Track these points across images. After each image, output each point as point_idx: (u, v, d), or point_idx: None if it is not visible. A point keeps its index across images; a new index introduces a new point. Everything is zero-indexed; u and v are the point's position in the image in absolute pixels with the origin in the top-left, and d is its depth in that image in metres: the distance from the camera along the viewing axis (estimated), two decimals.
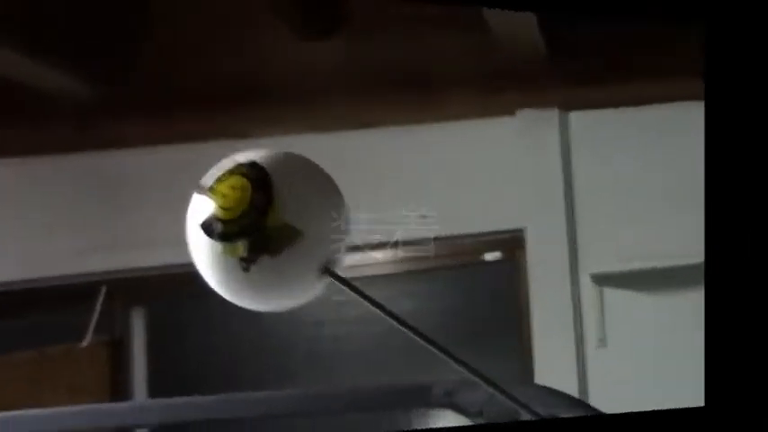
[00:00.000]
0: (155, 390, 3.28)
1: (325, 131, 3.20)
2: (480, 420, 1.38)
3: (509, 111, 3.24)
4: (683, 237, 2.79)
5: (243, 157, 0.90)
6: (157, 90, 3.22)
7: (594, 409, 1.32)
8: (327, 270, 0.95)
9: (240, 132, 3.19)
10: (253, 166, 0.89)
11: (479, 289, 3.31)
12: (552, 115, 3.24)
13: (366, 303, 0.86)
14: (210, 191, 0.88)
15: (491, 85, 3.23)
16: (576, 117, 3.27)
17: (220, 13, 3.22)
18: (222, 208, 0.87)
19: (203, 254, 0.89)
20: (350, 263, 3.73)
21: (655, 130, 3.23)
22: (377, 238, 3.55)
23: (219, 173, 0.88)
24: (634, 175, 3.25)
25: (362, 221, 3.54)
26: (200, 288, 3.20)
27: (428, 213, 3.48)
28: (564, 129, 3.27)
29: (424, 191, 3.22)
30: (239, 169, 0.89)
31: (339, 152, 3.23)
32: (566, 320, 3.20)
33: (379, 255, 3.42)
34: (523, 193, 3.22)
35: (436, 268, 3.28)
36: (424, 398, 1.43)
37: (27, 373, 3.22)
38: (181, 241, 3.30)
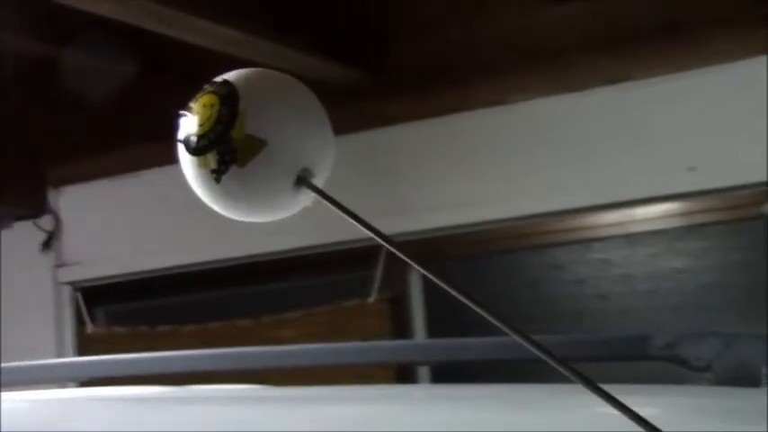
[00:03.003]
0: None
1: (581, 90, 3.10)
2: (708, 375, 1.33)
3: None
4: None
5: (220, 77, 0.97)
6: (413, 67, 3.30)
7: None
8: (303, 180, 0.95)
9: (497, 100, 3.19)
10: (223, 83, 0.97)
11: (760, 244, 3.07)
12: None
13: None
14: (188, 110, 0.96)
15: (765, 19, 2.95)
16: None
17: None
18: (197, 124, 0.94)
19: (186, 168, 0.97)
20: (615, 219, 3.64)
21: None
22: (643, 193, 3.43)
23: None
24: None
25: (626, 177, 3.43)
26: (471, 248, 3.27)
27: (698, 165, 3.30)
28: None
29: (693, 142, 3.02)
30: (211, 87, 0.97)
31: (599, 110, 3.13)
32: None
33: (645, 210, 3.32)
34: None
35: (709, 223, 3.08)
36: (643, 349, 1.39)
37: (326, 323, 3.55)
38: (452, 205, 3.36)
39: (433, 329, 3.46)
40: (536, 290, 3.30)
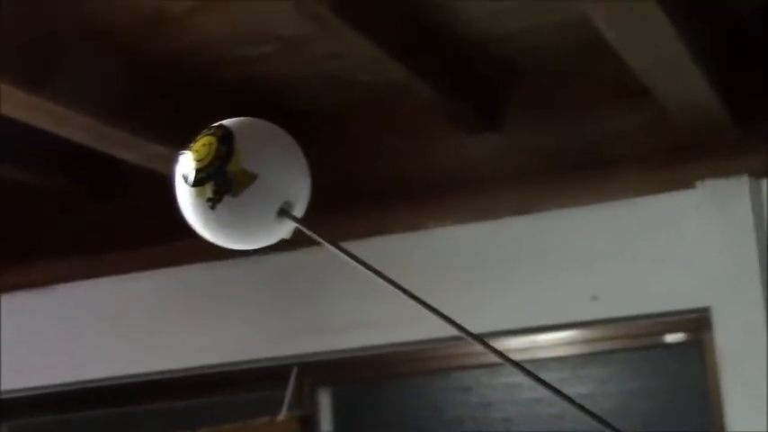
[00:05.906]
0: None
1: (493, 219, 3.20)
2: None
3: (688, 183, 3.09)
4: None
5: (217, 123, 1.13)
6: (334, 190, 3.38)
7: None
8: (284, 212, 1.11)
9: (414, 225, 3.28)
10: (220, 126, 1.12)
11: (660, 373, 3.16)
12: (741, 183, 3.05)
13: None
14: (189, 149, 1.11)
15: (667, 159, 3.10)
16: None
17: (387, 112, 3.32)
18: (195, 160, 1.09)
19: (183, 199, 1.10)
20: (521, 345, 3.71)
21: None
22: (548, 320, 3.50)
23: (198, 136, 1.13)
24: None
25: (532, 304, 3.50)
26: (379, 370, 3.29)
27: (601, 294, 3.40)
28: (756, 197, 3.06)
29: (597, 272, 3.12)
30: (210, 130, 1.12)
31: (509, 238, 3.22)
32: None
33: (549, 337, 3.39)
34: (708, 268, 3.00)
35: (612, 351, 3.17)
36: None
37: None
38: (363, 326, 3.39)
39: None
40: (441, 413, 3.33)
